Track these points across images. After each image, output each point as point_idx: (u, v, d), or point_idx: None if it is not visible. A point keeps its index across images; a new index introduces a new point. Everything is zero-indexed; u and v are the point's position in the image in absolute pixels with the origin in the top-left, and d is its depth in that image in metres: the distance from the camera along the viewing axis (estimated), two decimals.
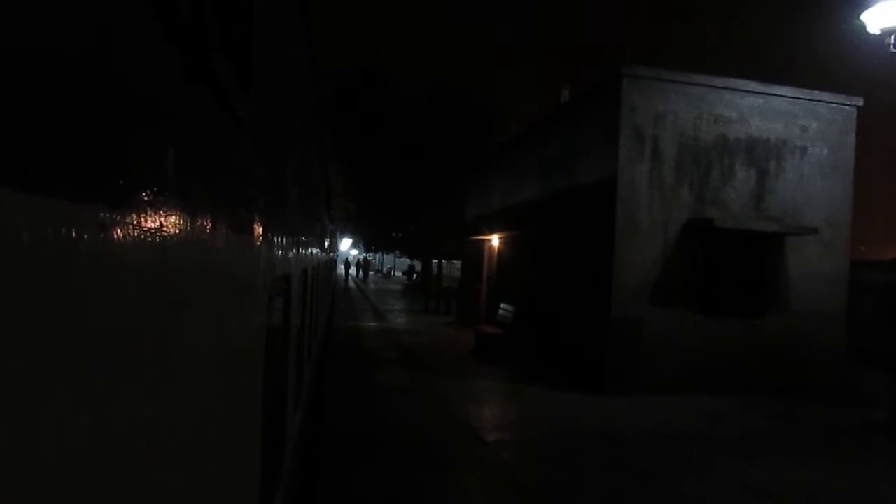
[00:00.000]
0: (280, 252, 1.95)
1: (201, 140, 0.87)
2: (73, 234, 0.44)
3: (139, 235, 0.58)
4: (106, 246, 0.50)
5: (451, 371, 10.35)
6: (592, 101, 9.71)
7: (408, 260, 42.16)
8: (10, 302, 0.37)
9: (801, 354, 9.21)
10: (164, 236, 0.66)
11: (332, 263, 19.26)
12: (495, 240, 15.21)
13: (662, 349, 8.84)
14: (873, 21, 6.99)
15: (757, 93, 9.20)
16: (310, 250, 4.07)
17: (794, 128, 9.37)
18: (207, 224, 0.88)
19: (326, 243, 10.16)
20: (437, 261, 26.35)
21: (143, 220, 0.59)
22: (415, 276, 38.09)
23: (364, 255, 55.87)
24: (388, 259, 56.71)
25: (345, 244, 46.81)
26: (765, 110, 9.26)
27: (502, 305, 13.10)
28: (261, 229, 1.45)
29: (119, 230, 0.53)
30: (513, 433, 6.89)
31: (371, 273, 53.34)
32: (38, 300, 0.40)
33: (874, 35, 7.09)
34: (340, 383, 9.00)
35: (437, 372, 10.18)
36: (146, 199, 0.60)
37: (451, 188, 23.98)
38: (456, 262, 34.23)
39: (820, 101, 9.46)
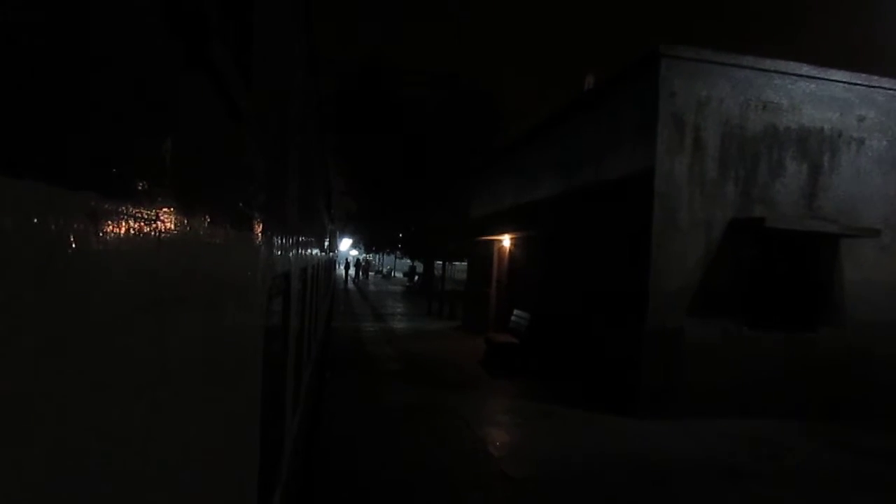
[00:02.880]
0: (279, 250, 1.92)
1: (199, 132, 0.86)
2: (59, 224, 0.42)
3: (131, 226, 0.56)
4: (94, 236, 0.48)
5: (463, 386, 9.33)
6: (624, 86, 8.70)
7: (408, 261, 41.19)
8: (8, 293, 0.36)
9: (858, 372, 8.20)
10: (157, 230, 0.63)
11: (332, 263, 18.77)
12: (506, 240, 14.19)
13: (703, 365, 7.83)
14: None
15: (810, 77, 8.20)
16: (309, 249, 3.96)
17: (850, 117, 8.36)
18: (204, 219, 0.86)
19: (326, 243, 9.81)
20: (439, 262, 25.29)
21: (135, 210, 0.57)
22: (416, 277, 37.03)
23: (364, 255, 54.92)
24: (388, 260, 55.68)
25: (345, 244, 45.89)
26: (818, 97, 8.25)
27: (515, 312, 12.08)
28: (260, 226, 1.43)
29: (110, 220, 0.51)
30: (543, 468, 5.87)
31: (371, 274, 52.43)
32: (28, 293, 0.39)
33: None
34: (340, 402, 7.98)
35: (447, 387, 9.16)
36: (139, 188, 0.59)
37: (455, 187, 23.07)
38: (458, 263, 33.36)
39: (879, 87, 8.45)
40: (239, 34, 1.10)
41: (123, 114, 0.55)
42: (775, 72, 8.10)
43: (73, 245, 0.44)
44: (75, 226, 0.44)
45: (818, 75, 8.22)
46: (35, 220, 0.38)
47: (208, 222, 0.87)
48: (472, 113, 24.58)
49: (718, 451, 6.63)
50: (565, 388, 9.13)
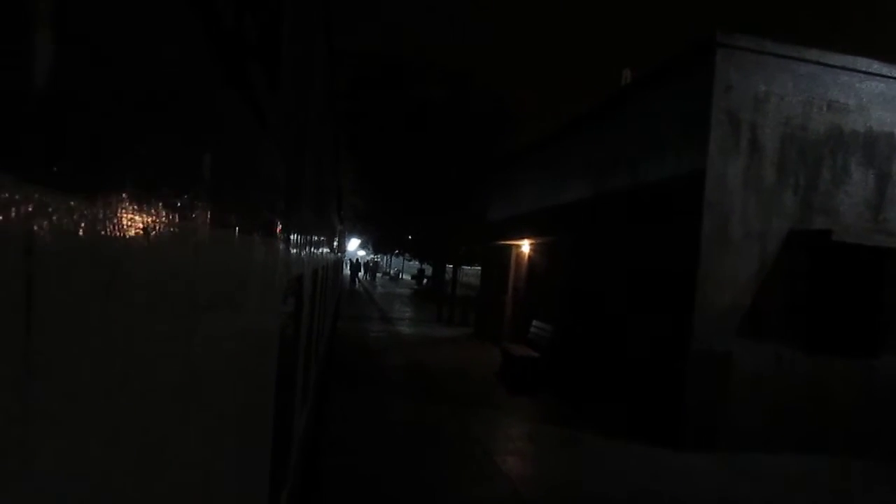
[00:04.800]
0: (295, 253, 1.97)
1: (232, 141, 0.88)
2: (112, 230, 0.45)
3: (168, 234, 0.59)
4: (138, 242, 0.51)
5: (480, 403, 8.52)
6: (669, 80, 7.88)
7: (417, 263, 40.39)
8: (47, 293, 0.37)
9: None
10: (189, 237, 0.67)
11: (340, 264, 18.31)
12: (525, 246, 13.37)
13: (754, 393, 6.98)
14: None
15: (880, 76, 7.35)
16: (321, 250, 4.01)
17: None
18: (234, 225, 0.89)
19: (335, 244, 9.63)
20: (451, 266, 24.45)
21: (172, 219, 0.60)
22: (425, 280, 36.21)
23: (372, 256, 54.19)
24: (396, 262, 54.92)
25: (353, 244, 45.22)
26: (889, 98, 7.40)
27: (535, 323, 11.26)
28: (280, 231, 1.47)
29: (150, 228, 0.54)
30: None
31: (378, 275, 51.75)
32: (67, 295, 0.40)
33: None
34: (346, 421, 7.18)
35: (462, 404, 8.35)
36: (177, 195, 0.61)
37: (470, 188, 22.29)
38: (467, 267, 32.53)
39: None
40: (268, 50, 1.13)
41: (164, 126, 0.59)
42: (842, 68, 7.25)
43: (121, 250, 0.47)
44: (120, 233, 0.47)
45: (890, 74, 7.36)
46: (82, 228, 0.41)
47: (237, 229, 0.91)
48: (485, 114, 23.83)
49: (774, 494, 5.79)
50: (594, 410, 8.29)
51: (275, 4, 1.19)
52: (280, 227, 1.47)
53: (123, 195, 0.47)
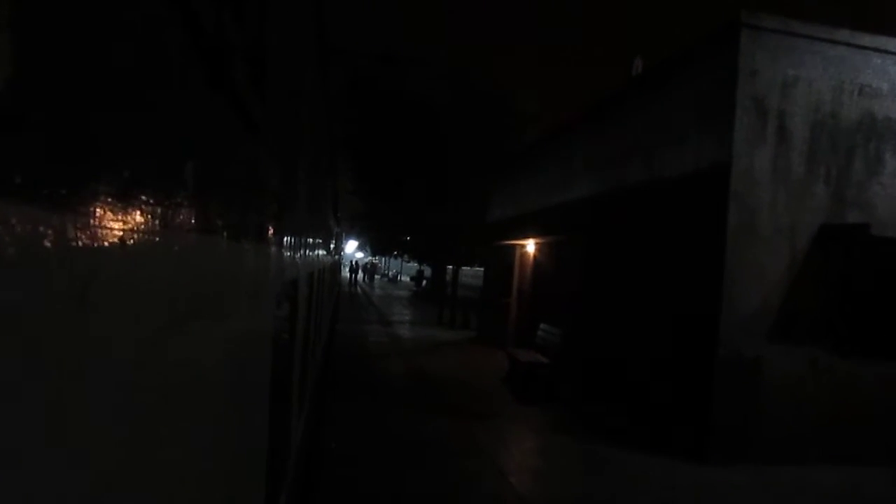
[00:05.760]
0: (289, 256, 1.96)
1: (218, 146, 0.86)
2: (87, 236, 0.44)
3: (151, 239, 0.58)
4: (116, 249, 0.50)
5: (487, 414, 7.98)
6: (690, 65, 7.36)
7: (416, 264, 39.82)
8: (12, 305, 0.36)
9: None
10: (170, 243, 0.65)
11: (338, 266, 17.96)
12: (530, 245, 12.86)
13: (786, 401, 6.47)
14: None
15: None
16: (316, 253, 3.96)
17: None
18: (219, 229, 0.86)
19: (332, 246, 9.39)
20: (451, 266, 23.90)
21: (156, 224, 0.59)
22: (424, 282, 35.63)
23: (371, 258, 53.62)
24: (395, 263, 54.33)
25: (350, 246, 44.67)
26: None
27: (543, 326, 10.72)
28: (272, 235, 1.44)
29: (130, 233, 0.53)
30: None
31: (377, 277, 51.22)
32: (46, 301, 0.39)
33: None
34: (344, 434, 6.64)
35: (468, 415, 7.81)
36: (159, 200, 0.60)
37: (470, 188, 21.78)
38: (467, 268, 31.96)
39: None
40: (254, 51, 1.09)
41: (149, 132, 0.58)
42: (874, 50, 6.75)
43: (101, 256, 0.46)
44: (99, 239, 0.45)
45: None
46: (59, 234, 0.40)
47: (226, 234, 0.87)
48: (485, 111, 23.32)
49: None
50: (611, 421, 7.76)
51: (260, 3, 1.15)
52: (272, 230, 1.43)
53: (97, 202, 0.45)
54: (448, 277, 23.09)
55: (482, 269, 20.94)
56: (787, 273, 6.56)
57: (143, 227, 0.54)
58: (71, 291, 0.42)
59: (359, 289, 36.45)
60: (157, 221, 0.57)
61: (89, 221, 0.43)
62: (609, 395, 8.27)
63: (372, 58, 23.73)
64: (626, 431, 7.29)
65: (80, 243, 0.42)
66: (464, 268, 30.26)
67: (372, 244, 42.90)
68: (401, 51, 24.67)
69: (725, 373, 6.38)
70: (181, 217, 0.65)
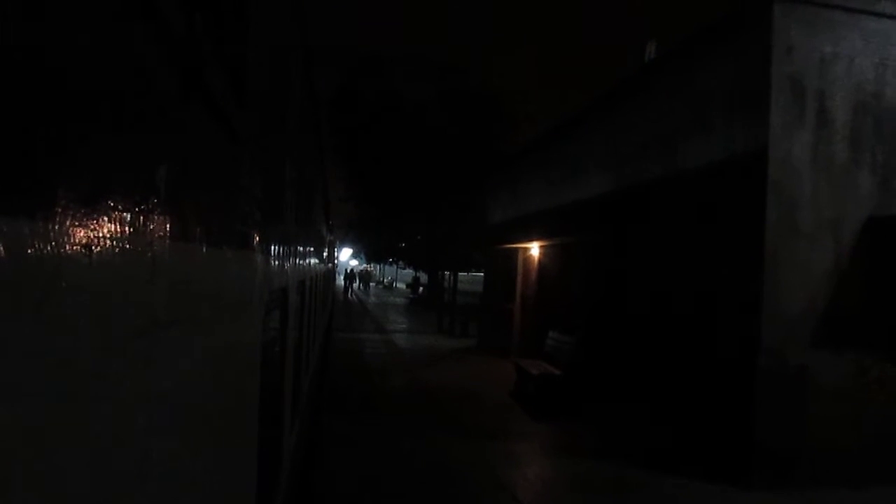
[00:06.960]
0: (277, 265, 1.94)
1: (195, 154, 0.84)
2: (63, 245, 0.43)
3: (126, 248, 0.55)
4: (92, 256, 0.48)
5: (499, 434, 7.26)
6: (714, 45, 6.70)
7: (411, 271, 39.02)
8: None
9: None
10: (154, 250, 0.63)
11: (332, 275, 17.37)
12: (534, 248, 12.17)
13: (836, 415, 5.79)
14: None
15: None
16: (308, 261, 3.93)
17: None
18: (202, 238, 0.85)
19: (325, 254, 9.21)
20: (448, 272, 23.16)
21: (133, 232, 0.57)
22: (420, 289, 34.83)
23: (365, 265, 52.79)
24: (390, 270, 53.47)
25: (345, 254, 43.88)
26: None
27: (552, 334, 10.02)
28: (257, 243, 1.42)
29: (109, 241, 0.51)
30: None
31: (372, 284, 50.38)
32: (28, 309, 0.39)
33: None
34: (341, 458, 5.89)
35: (479, 435, 7.08)
36: (136, 210, 0.58)
37: (466, 191, 21.10)
38: (463, 274, 31.12)
39: None
40: (233, 57, 1.06)
41: (121, 140, 0.56)
42: None
43: (71, 265, 0.44)
44: (74, 247, 0.44)
45: None
46: (37, 244, 0.39)
47: (206, 242, 0.85)
48: (479, 112, 22.67)
49: None
50: (634, 440, 7.04)
51: (238, 10, 1.11)
52: (257, 237, 1.41)
53: (63, 209, 0.44)
54: (447, 284, 22.32)
55: (480, 273, 20.23)
56: (832, 271, 5.89)
57: (116, 235, 0.52)
58: (45, 301, 0.40)
59: (354, 297, 35.64)
60: (129, 229, 0.55)
61: (62, 231, 0.42)
62: (633, 409, 7.56)
63: (361, 59, 23.06)
64: (653, 452, 6.58)
65: (53, 253, 0.41)
66: (462, 273, 29.51)
67: (366, 251, 42.11)
68: (399, 51, 23.90)
69: (768, 384, 5.69)
70: (155, 225, 0.62)
